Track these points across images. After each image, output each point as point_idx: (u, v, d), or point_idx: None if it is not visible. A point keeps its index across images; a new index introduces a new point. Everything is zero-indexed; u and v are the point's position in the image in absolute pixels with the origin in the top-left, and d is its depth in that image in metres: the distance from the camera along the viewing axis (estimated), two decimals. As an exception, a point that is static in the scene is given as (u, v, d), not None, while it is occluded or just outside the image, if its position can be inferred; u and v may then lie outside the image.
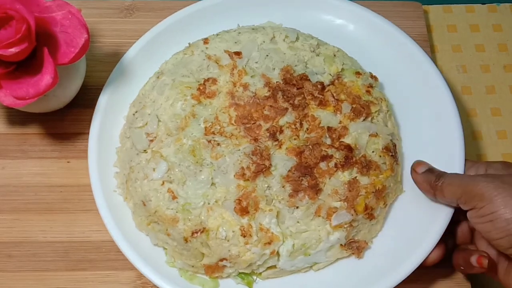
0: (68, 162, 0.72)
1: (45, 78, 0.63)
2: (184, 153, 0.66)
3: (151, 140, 0.68)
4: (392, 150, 0.68)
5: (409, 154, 0.74)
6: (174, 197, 0.65)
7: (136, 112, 0.69)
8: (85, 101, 0.75)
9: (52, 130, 0.73)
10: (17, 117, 0.72)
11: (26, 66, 0.63)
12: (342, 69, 0.72)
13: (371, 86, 0.72)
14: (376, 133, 0.69)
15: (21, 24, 0.59)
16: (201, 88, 0.69)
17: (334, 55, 0.73)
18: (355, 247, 0.67)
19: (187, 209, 0.64)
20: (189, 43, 0.71)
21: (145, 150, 0.67)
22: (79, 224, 0.70)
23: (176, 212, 0.64)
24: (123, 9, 0.80)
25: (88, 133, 0.73)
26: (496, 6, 0.89)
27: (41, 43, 0.62)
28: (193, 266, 0.65)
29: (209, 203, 0.64)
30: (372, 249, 0.69)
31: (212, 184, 0.64)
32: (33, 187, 0.72)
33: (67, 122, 0.74)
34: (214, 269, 0.67)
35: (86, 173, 0.70)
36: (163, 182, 0.65)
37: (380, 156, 0.67)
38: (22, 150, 0.72)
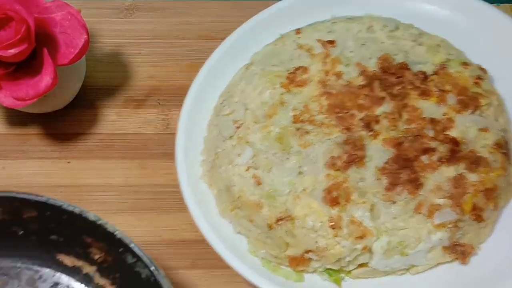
0: (68, 162, 0.75)
1: (45, 79, 0.67)
2: (271, 140, 0.66)
3: (238, 127, 0.68)
4: (504, 147, 0.64)
5: None
6: (258, 183, 0.63)
7: (224, 100, 0.71)
8: (85, 101, 0.79)
9: (52, 130, 0.77)
10: (17, 118, 0.77)
11: (26, 67, 0.67)
12: (447, 59, 0.70)
13: (479, 78, 0.68)
14: (486, 128, 0.65)
15: (20, 25, 0.63)
16: (290, 76, 0.69)
17: (438, 45, 0.71)
18: (459, 251, 0.62)
19: (272, 196, 0.63)
20: (280, 34, 0.73)
21: (231, 137, 0.68)
22: None
23: (261, 198, 0.63)
24: (123, 9, 0.84)
25: (88, 133, 0.78)
26: None
27: (40, 44, 0.66)
28: (276, 257, 0.62)
29: (295, 191, 0.62)
30: (479, 256, 0.64)
31: (300, 173, 0.63)
32: (34, 187, 0.72)
33: (67, 123, 0.78)
34: (298, 262, 0.63)
35: (86, 173, 0.74)
36: (248, 168, 0.64)
37: (491, 152, 0.63)
38: (22, 150, 0.76)
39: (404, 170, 0.61)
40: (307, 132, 0.64)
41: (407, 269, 0.62)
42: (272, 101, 0.66)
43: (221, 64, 0.69)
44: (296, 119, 0.65)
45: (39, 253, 0.59)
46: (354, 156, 0.61)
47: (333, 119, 0.64)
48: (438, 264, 0.62)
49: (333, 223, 0.60)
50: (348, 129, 0.63)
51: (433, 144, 0.63)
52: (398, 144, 0.63)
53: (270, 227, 0.61)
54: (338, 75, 0.67)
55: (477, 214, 0.61)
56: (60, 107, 0.71)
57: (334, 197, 0.60)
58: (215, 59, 0.69)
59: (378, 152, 0.62)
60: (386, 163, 0.62)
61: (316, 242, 0.60)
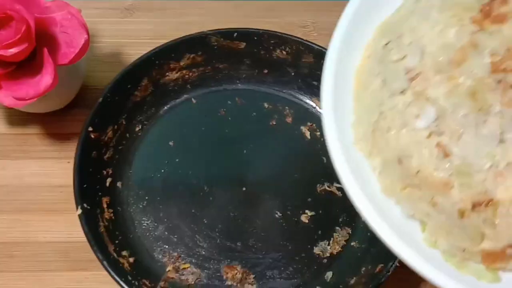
0: (68, 162, 0.73)
1: (45, 78, 0.66)
2: (461, 97, 0.46)
3: (413, 78, 0.49)
4: None
5: None
6: (446, 155, 0.46)
7: (390, 42, 0.52)
8: (85, 101, 0.78)
9: (53, 130, 0.77)
10: (17, 118, 0.77)
11: (26, 66, 0.66)
12: None
13: None
14: None
15: (21, 25, 0.62)
16: (485, 9, 0.48)
17: None
18: None
19: (466, 172, 0.46)
20: None
21: (403, 91, 0.49)
22: (80, 224, 0.71)
23: (450, 174, 0.46)
24: (123, 9, 0.86)
25: None
26: None
27: (41, 44, 0.66)
28: (464, 250, 0.48)
29: (497, 167, 0.46)
30: None
31: (501, 141, 0.46)
32: (34, 187, 0.74)
33: (67, 122, 0.77)
34: (496, 258, 0.48)
35: None
36: (430, 134, 0.47)
37: None
38: (22, 150, 0.75)
39: None
40: None
41: None
42: (460, 43, 0.47)
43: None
44: (495, 68, 0.46)
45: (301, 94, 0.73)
46: None
47: None
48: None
49: None
50: None
51: None
52: None
53: (462, 214, 0.46)
54: None
55: None
56: (60, 107, 0.71)
57: None
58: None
59: None
60: None
61: None
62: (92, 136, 0.67)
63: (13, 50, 0.59)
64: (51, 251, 0.68)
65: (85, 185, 0.65)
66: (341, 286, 0.62)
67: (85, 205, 0.64)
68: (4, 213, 0.69)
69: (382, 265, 0.60)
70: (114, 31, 0.75)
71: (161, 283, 0.65)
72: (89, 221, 0.64)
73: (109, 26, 0.75)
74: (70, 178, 0.75)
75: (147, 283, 0.65)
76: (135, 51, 0.77)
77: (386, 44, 0.52)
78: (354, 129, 0.51)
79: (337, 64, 0.53)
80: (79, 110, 0.71)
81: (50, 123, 0.70)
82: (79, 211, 0.63)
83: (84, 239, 0.71)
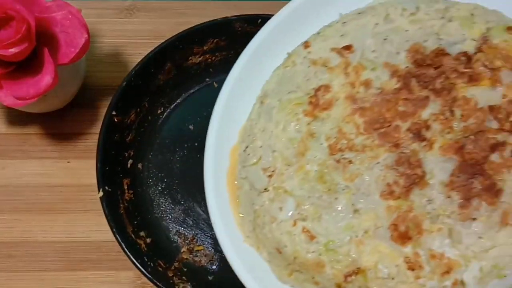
0: (68, 162, 0.76)
1: (45, 78, 0.66)
2: (311, 182, 0.56)
3: (270, 176, 0.58)
4: None
5: None
6: (312, 237, 0.54)
7: (247, 147, 0.60)
8: (85, 101, 0.78)
9: (52, 130, 0.77)
10: (17, 117, 0.77)
11: (27, 66, 0.66)
12: (487, 29, 0.57)
13: None
14: None
15: (21, 24, 0.62)
16: (313, 101, 0.58)
17: (472, 15, 0.58)
18: None
19: (332, 249, 0.54)
20: (287, 53, 0.62)
21: (265, 189, 0.58)
22: (79, 224, 0.73)
23: (319, 254, 0.54)
24: (123, 9, 0.83)
25: (88, 133, 0.78)
26: None
27: (41, 43, 0.66)
28: None
29: (356, 236, 0.53)
30: None
31: (355, 211, 0.53)
32: (34, 187, 0.75)
33: (67, 122, 0.77)
34: None
35: (86, 173, 0.74)
36: (295, 222, 0.55)
37: None
38: (22, 150, 0.76)
39: (475, 178, 0.52)
40: (350, 162, 0.54)
41: None
42: (300, 135, 0.57)
43: (231, 103, 0.62)
44: (332, 149, 0.56)
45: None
46: (412, 176, 0.52)
47: (375, 138, 0.54)
48: None
49: (410, 264, 0.52)
50: (396, 145, 0.54)
51: (500, 137, 0.53)
52: (459, 149, 0.53)
53: (339, 286, 0.53)
54: (367, 84, 0.57)
55: None
56: (60, 107, 0.71)
57: (403, 232, 0.51)
58: (224, 99, 0.62)
59: (438, 164, 0.53)
60: (452, 175, 0.52)
61: None
62: (116, 120, 0.69)
63: (14, 50, 0.59)
64: (51, 251, 0.68)
65: (107, 168, 0.67)
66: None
67: (106, 187, 0.66)
68: (4, 213, 0.69)
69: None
70: (114, 31, 0.75)
71: (175, 264, 0.67)
72: (110, 203, 0.66)
73: (109, 26, 0.75)
74: (70, 178, 0.75)
75: (161, 263, 0.67)
76: (135, 51, 0.77)
77: (245, 149, 0.60)
78: (240, 228, 0.58)
79: (214, 164, 0.62)
80: (79, 110, 0.72)
81: (50, 123, 0.70)
82: (101, 193, 0.66)
83: (84, 239, 0.71)
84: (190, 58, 0.72)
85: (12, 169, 0.69)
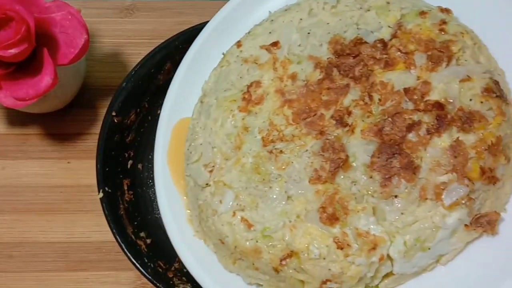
0: (68, 162, 0.78)
1: (45, 79, 0.68)
2: (248, 174, 0.59)
3: (210, 171, 0.62)
4: (495, 90, 0.56)
5: None
6: (249, 226, 0.57)
7: (190, 146, 0.65)
8: (85, 101, 0.81)
9: (52, 130, 0.80)
10: (17, 118, 0.80)
11: (26, 67, 0.68)
12: (402, 16, 0.61)
13: (444, 22, 0.60)
14: (468, 76, 0.56)
15: (20, 25, 0.65)
16: (246, 96, 0.62)
17: (388, 3, 0.63)
18: (484, 222, 0.54)
19: (267, 235, 0.57)
20: (223, 53, 0.68)
21: (207, 184, 0.62)
22: (79, 224, 0.76)
23: (256, 241, 0.57)
24: (123, 9, 0.87)
25: (88, 133, 0.80)
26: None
27: (40, 44, 0.68)
28: None
29: (290, 221, 0.56)
30: (508, 220, 0.55)
31: (288, 198, 0.57)
32: (33, 187, 0.77)
33: (67, 122, 0.80)
34: None
35: (86, 174, 0.76)
36: (234, 213, 0.58)
37: (482, 102, 0.55)
38: (22, 150, 0.79)
39: (394, 158, 0.54)
40: (281, 152, 0.58)
41: (437, 261, 0.56)
42: (236, 130, 0.61)
43: (176, 107, 0.68)
44: (265, 141, 0.59)
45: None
46: (338, 160, 0.55)
47: (303, 127, 0.58)
48: (467, 244, 0.56)
49: (339, 243, 0.54)
50: (321, 133, 0.57)
51: (415, 117, 0.56)
52: (379, 131, 0.56)
53: (276, 270, 0.56)
54: (293, 77, 0.61)
55: (490, 176, 0.54)
56: (60, 107, 0.71)
57: (331, 214, 0.54)
58: (169, 103, 0.68)
59: (360, 147, 0.56)
60: (373, 156, 0.55)
61: (330, 269, 0.54)
62: (116, 121, 0.72)
63: (13, 51, 0.59)
64: (51, 251, 0.70)
65: (107, 169, 0.70)
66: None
67: (106, 188, 0.69)
68: (4, 213, 0.71)
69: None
70: (114, 31, 0.77)
71: (175, 264, 0.69)
72: (110, 204, 0.68)
73: (109, 26, 0.77)
74: (69, 178, 0.75)
75: (161, 264, 0.69)
76: (135, 51, 0.79)
77: (188, 148, 0.64)
78: (190, 223, 0.63)
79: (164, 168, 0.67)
80: (79, 110, 0.72)
81: (50, 123, 0.71)
82: (101, 194, 0.68)
83: (84, 239, 0.70)
84: (189, 58, 0.70)
85: (12, 169, 0.71)
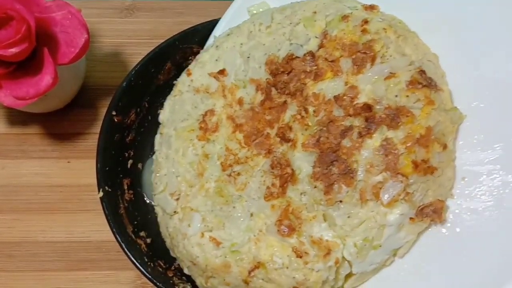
0: (68, 162, 0.79)
1: (45, 78, 0.68)
2: (212, 198, 0.63)
3: (177, 199, 0.64)
4: (422, 79, 0.58)
5: (459, 65, 0.58)
6: (218, 243, 0.60)
7: (155, 176, 0.68)
8: (85, 101, 0.83)
9: (52, 130, 0.81)
10: (17, 117, 0.81)
11: (26, 66, 0.69)
12: (327, 23, 0.63)
13: (366, 21, 0.61)
14: (393, 72, 0.58)
15: (21, 25, 0.65)
16: (202, 126, 0.65)
17: (314, 13, 0.64)
18: (430, 212, 0.55)
19: (235, 250, 0.60)
20: (174, 83, 0.71)
21: (175, 211, 0.64)
22: (79, 224, 0.77)
23: (225, 257, 0.60)
24: (123, 9, 0.89)
25: (88, 133, 0.80)
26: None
27: (41, 43, 0.69)
28: None
29: (254, 235, 0.59)
30: (456, 205, 0.56)
31: (251, 215, 0.60)
32: (33, 187, 0.78)
33: (67, 122, 0.81)
34: None
35: (86, 173, 0.78)
36: (203, 234, 0.61)
37: (407, 96, 0.57)
38: (22, 150, 0.80)
39: (332, 165, 0.57)
40: (239, 174, 0.62)
41: (394, 255, 0.59)
42: (198, 158, 0.64)
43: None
44: (224, 166, 0.63)
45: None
46: (284, 176, 0.59)
47: (254, 148, 0.62)
48: (419, 234, 0.58)
49: (298, 252, 0.57)
50: (269, 151, 0.61)
51: (347, 122, 0.59)
52: (317, 142, 0.59)
53: (246, 282, 0.59)
54: (240, 101, 0.65)
55: (425, 168, 0.56)
56: (60, 107, 0.72)
57: (288, 225, 0.58)
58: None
59: (304, 159, 0.60)
60: (314, 167, 0.59)
61: (294, 277, 0.57)
62: (116, 120, 0.74)
63: (14, 50, 0.60)
64: (51, 250, 0.70)
65: (107, 168, 0.71)
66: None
67: (106, 187, 0.70)
68: (4, 213, 0.71)
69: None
70: (114, 31, 0.78)
71: (175, 264, 0.70)
72: (110, 203, 0.70)
73: (109, 26, 0.78)
74: (70, 178, 0.76)
75: (161, 264, 0.70)
76: (135, 51, 0.80)
77: (154, 179, 0.67)
78: (170, 250, 0.68)
79: None
80: (79, 110, 0.73)
81: (50, 123, 0.72)
82: (101, 194, 0.69)
83: (84, 239, 0.70)
84: (190, 58, 0.78)
85: (12, 169, 0.72)
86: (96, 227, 0.76)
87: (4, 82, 0.69)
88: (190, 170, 0.64)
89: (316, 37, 0.62)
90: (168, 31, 0.83)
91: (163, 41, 0.76)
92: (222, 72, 0.66)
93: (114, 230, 0.68)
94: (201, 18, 0.83)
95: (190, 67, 0.70)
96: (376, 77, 0.58)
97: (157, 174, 0.67)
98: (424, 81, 0.57)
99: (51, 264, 0.75)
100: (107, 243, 0.75)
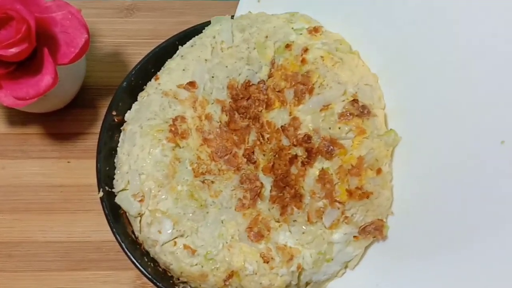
0: (68, 162, 0.80)
1: (45, 78, 0.68)
2: (185, 200, 0.62)
3: (141, 201, 0.62)
4: (354, 110, 0.61)
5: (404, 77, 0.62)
6: (193, 251, 0.59)
7: (116, 173, 0.67)
8: (85, 101, 0.84)
9: (52, 130, 0.82)
10: (17, 117, 0.83)
11: (26, 66, 0.70)
12: (275, 50, 0.65)
13: (305, 50, 0.63)
14: (328, 103, 0.61)
15: (21, 25, 0.66)
16: (173, 129, 0.65)
17: (266, 37, 0.66)
18: (372, 230, 0.59)
19: (211, 258, 0.60)
20: (144, 87, 0.71)
21: (139, 214, 0.63)
22: (79, 224, 0.78)
23: (202, 266, 0.60)
24: (123, 9, 0.90)
25: (88, 133, 0.79)
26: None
27: (41, 44, 0.70)
28: None
29: (227, 242, 0.60)
30: (394, 220, 0.61)
31: (222, 222, 0.61)
32: (33, 187, 0.79)
33: (67, 122, 0.83)
34: None
35: (86, 173, 0.79)
36: (175, 242, 0.60)
37: (340, 127, 0.61)
38: (22, 150, 0.81)
39: (285, 190, 0.61)
40: (213, 182, 0.64)
41: (345, 267, 0.61)
42: (168, 159, 0.64)
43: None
44: (196, 173, 0.64)
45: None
46: (254, 189, 0.62)
47: (223, 164, 0.64)
48: (366, 248, 0.62)
49: (265, 258, 0.59)
50: (238, 168, 0.65)
51: (293, 151, 0.62)
52: (272, 168, 0.63)
53: None
54: (209, 117, 0.67)
55: (360, 194, 0.60)
56: (60, 107, 0.72)
57: (257, 232, 0.60)
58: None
59: (265, 181, 0.64)
60: (271, 190, 0.63)
61: (261, 283, 0.58)
62: (116, 120, 0.75)
63: (14, 50, 0.60)
64: (51, 250, 0.71)
65: (107, 168, 0.71)
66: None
67: (106, 187, 0.70)
68: (4, 213, 0.72)
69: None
70: (114, 31, 0.78)
71: None
72: (110, 203, 0.68)
73: (109, 26, 0.78)
74: (69, 178, 0.76)
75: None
76: (135, 51, 0.81)
77: (114, 176, 0.64)
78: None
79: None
80: (79, 110, 0.74)
81: (50, 123, 0.72)
82: (101, 194, 0.69)
83: (84, 239, 0.70)
84: (190, 58, 0.76)
85: (12, 169, 0.72)
86: (96, 227, 0.79)
87: (4, 82, 0.73)
88: (159, 169, 0.63)
89: (266, 65, 0.66)
90: (168, 31, 0.88)
91: (163, 41, 0.79)
92: (192, 84, 0.67)
93: (114, 230, 0.73)
94: (201, 18, 0.89)
95: (158, 73, 0.69)
96: (313, 108, 0.64)
97: (118, 171, 0.67)
98: (356, 111, 0.62)
99: (51, 264, 0.76)
100: (107, 243, 0.78)
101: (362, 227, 0.59)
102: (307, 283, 0.61)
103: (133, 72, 0.73)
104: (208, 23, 0.71)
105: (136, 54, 0.82)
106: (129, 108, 0.73)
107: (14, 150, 0.79)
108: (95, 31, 0.85)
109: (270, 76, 0.63)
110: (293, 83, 0.61)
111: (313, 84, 0.61)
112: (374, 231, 0.59)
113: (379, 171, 0.59)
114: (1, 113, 0.80)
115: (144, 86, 0.69)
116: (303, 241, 0.59)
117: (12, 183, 0.76)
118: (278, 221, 0.59)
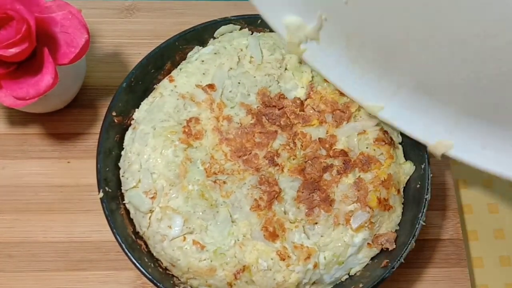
0: (68, 162, 0.81)
1: (45, 78, 0.68)
2: (195, 199, 0.64)
3: (152, 198, 0.63)
4: (384, 138, 0.70)
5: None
6: (202, 247, 0.61)
7: (125, 172, 0.68)
8: (85, 101, 0.84)
9: (52, 130, 0.83)
10: (17, 117, 0.83)
11: (27, 66, 0.70)
12: (313, 77, 0.70)
13: None
14: (363, 130, 0.69)
15: (21, 25, 0.66)
16: (186, 130, 0.68)
17: (300, 63, 0.70)
18: (384, 240, 0.65)
19: (221, 253, 0.62)
20: (154, 86, 0.73)
21: (151, 210, 0.64)
22: (79, 224, 0.79)
23: (211, 261, 0.62)
24: (123, 9, 0.91)
25: (88, 133, 0.80)
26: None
27: (41, 44, 0.70)
28: None
29: (238, 240, 0.62)
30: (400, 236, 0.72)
31: (233, 221, 0.64)
32: (33, 187, 0.79)
33: (67, 122, 0.83)
34: None
35: (86, 173, 0.79)
36: (184, 237, 0.62)
37: (374, 149, 0.70)
38: (22, 150, 0.81)
39: (314, 192, 0.65)
40: (224, 182, 0.66)
41: (348, 274, 0.65)
42: (179, 159, 0.67)
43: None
44: (208, 173, 0.66)
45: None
46: (272, 192, 0.64)
47: (241, 164, 0.67)
48: (370, 259, 0.67)
49: (281, 255, 0.61)
50: (257, 169, 0.67)
51: (329, 161, 0.68)
52: (302, 171, 0.67)
53: (230, 285, 0.62)
54: (229, 119, 0.70)
55: (385, 204, 0.66)
56: (60, 107, 0.73)
57: (272, 232, 0.62)
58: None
59: (288, 184, 0.67)
60: (298, 191, 0.66)
61: (274, 279, 0.61)
62: (116, 121, 0.76)
63: (14, 50, 0.60)
64: (51, 251, 0.71)
65: (107, 168, 0.72)
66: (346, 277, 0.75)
67: (107, 188, 0.71)
68: (4, 213, 0.72)
69: (388, 260, 0.68)
70: (114, 31, 0.78)
71: None
72: (110, 203, 0.70)
73: (109, 26, 0.78)
74: (70, 178, 0.76)
75: (161, 264, 0.68)
76: (135, 51, 0.81)
77: (123, 174, 0.66)
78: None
79: None
80: (79, 110, 0.74)
81: (50, 123, 0.73)
82: (101, 194, 0.70)
83: (84, 239, 0.70)
84: (189, 58, 0.74)
85: (12, 169, 0.72)
86: (96, 227, 0.79)
87: (4, 82, 0.73)
88: (171, 169, 0.66)
89: (303, 87, 0.70)
90: (168, 31, 0.88)
91: (163, 41, 0.80)
92: (211, 86, 0.69)
93: (114, 230, 0.73)
94: (201, 18, 0.90)
95: (172, 74, 0.72)
96: (351, 131, 0.69)
97: (128, 169, 0.68)
98: (386, 140, 0.69)
99: (51, 264, 0.76)
100: (107, 243, 0.78)
101: (375, 236, 0.65)
102: (314, 283, 0.64)
103: (133, 72, 0.73)
104: (208, 23, 0.71)
105: (136, 54, 0.83)
106: (130, 108, 0.73)
107: (14, 150, 0.79)
108: (95, 31, 0.86)
109: (308, 97, 0.69)
110: (334, 109, 0.68)
111: (351, 114, 0.68)
112: (386, 242, 0.64)
113: (398, 191, 0.68)
114: (1, 113, 0.82)
115: (155, 86, 0.70)
116: (320, 243, 0.63)
117: (12, 183, 0.77)
118: (294, 222, 0.62)
